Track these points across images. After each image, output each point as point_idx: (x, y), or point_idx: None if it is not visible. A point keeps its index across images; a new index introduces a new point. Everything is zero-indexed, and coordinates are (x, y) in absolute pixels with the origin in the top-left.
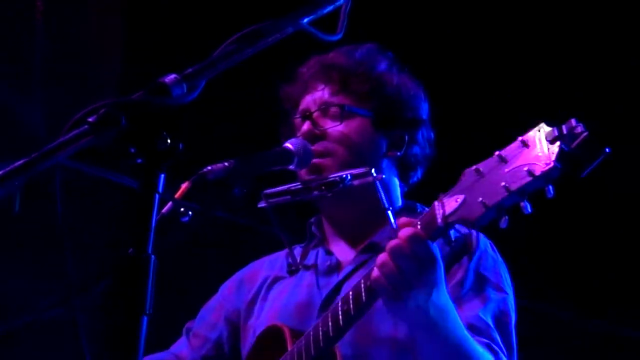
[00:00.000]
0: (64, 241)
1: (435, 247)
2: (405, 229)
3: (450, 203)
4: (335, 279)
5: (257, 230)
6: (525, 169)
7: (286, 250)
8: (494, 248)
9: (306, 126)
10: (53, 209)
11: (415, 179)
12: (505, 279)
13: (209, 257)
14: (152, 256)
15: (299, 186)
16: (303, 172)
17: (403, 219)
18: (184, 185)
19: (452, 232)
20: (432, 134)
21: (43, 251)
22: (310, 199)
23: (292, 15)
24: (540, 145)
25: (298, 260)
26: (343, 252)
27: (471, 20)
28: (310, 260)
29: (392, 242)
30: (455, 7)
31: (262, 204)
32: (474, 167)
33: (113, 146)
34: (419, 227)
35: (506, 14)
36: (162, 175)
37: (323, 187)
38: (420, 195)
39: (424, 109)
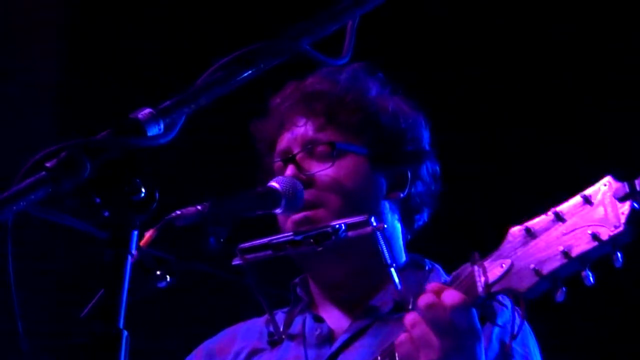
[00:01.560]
0: (15, 308)
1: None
2: (449, 291)
3: (494, 269)
4: (327, 351)
5: (235, 286)
6: (589, 231)
7: (265, 317)
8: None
9: (290, 171)
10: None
11: (421, 222)
12: (535, 355)
13: (178, 316)
14: (124, 332)
15: (282, 238)
16: (290, 222)
17: (434, 284)
18: (148, 233)
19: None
20: (437, 167)
21: None
22: (296, 255)
23: (289, 35)
24: (607, 204)
25: (281, 329)
26: (335, 318)
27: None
28: (295, 329)
29: (428, 299)
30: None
31: (237, 261)
32: (522, 225)
33: (75, 195)
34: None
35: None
36: (135, 233)
37: (312, 240)
38: (422, 246)
39: (426, 138)
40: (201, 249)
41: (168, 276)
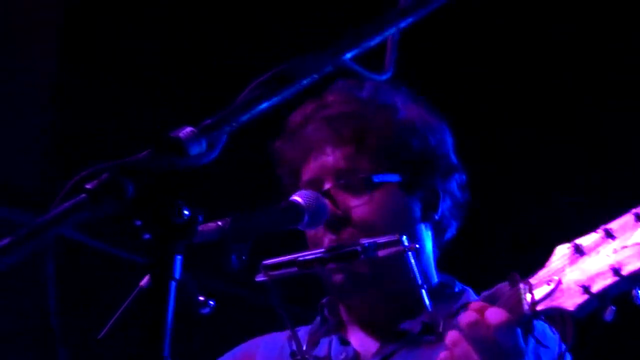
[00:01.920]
0: (57, 336)
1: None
2: (493, 309)
3: (540, 287)
4: None
5: (255, 304)
6: None
7: (287, 333)
8: (553, 329)
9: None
10: (44, 295)
11: (449, 235)
12: None
13: (196, 334)
14: None
15: (309, 256)
16: (315, 233)
17: (476, 303)
18: None
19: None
20: (464, 177)
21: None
22: (323, 272)
23: (331, 49)
24: None
25: (304, 348)
26: (362, 341)
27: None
28: (321, 351)
29: (470, 317)
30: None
31: (260, 278)
32: (571, 242)
33: (115, 218)
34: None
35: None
36: (179, 258)
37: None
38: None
39: (453, 149)
40: (222, 267)
41: (211, 302)
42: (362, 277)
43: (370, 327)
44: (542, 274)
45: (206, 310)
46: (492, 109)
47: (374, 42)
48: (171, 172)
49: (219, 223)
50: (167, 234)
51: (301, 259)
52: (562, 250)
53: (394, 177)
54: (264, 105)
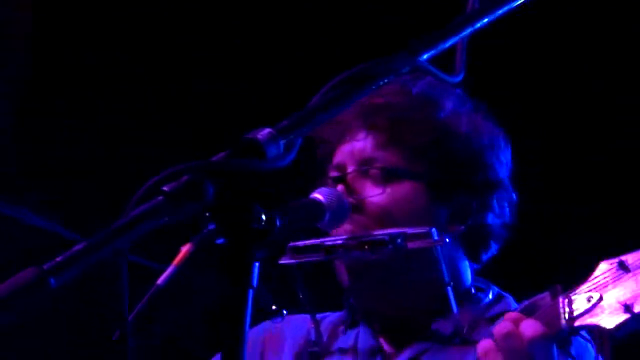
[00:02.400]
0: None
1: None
2: (529, 322)
3: (580, 301)
4: None
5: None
6: None
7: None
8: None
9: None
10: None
11: (488, 255)
12: None
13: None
14: None
15: (336, 241)
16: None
17: (513, 313)
18: (184, 248)
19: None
20: (514, 196)
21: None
22: (348, 260)
23: (406, 50)
24: None
25: (325, 339)
26: (391, 337)
27: None
28: (347, 342)
29: (505, 328)
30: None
31: (286, 260)
32: (616, 258)
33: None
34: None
35: None
36: (257, 265)
37: (366, 247)
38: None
39: (504, 163)
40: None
41: (284, 311)
42: (385, 272)
43: (398, 324)
44: (584, 288)
45: (279, 319)
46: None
47: (448, 44)
48: (247, 175)
49: None
50: (246, 239)
51: (328, 243)
52: (606, 266)
53: (418, 176)
54: (342, 106)
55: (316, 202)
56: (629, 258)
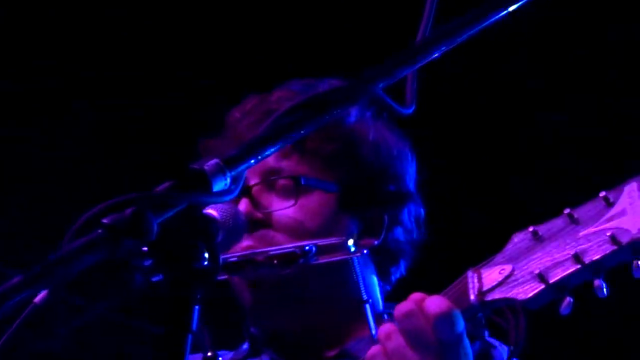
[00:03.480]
0: None
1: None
2: (432, 298)
3: (491, 274)
4: None
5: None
6: (608, 234)
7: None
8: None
9: (243, 206)
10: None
11: (397, 274)
12: None
13: None
14: None
15: (239, 257)
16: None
17: (416, 294)
18: None
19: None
20: (422, 211)
21: None
22: (254, 277)
23: (364, 77)
24: (632, 205)
25: None
26: None
27: None
28: None
29: (406, 307)
30: None
31: (223, 277)
32: (530, 228)
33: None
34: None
35: None
36: (197, 309)
37: (275, 262)
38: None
39: (412, 175)
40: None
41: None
42: (295, 288)
43: (308, 347)
44: (495, 262)
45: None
46: None
47: (404, 73)
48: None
49: None
50: (187, 280)
51: (230, 260)
52: (519, 237)
53: (329, 186)
54: (293, 135)
55: (209, 218)
56: (542, 227)
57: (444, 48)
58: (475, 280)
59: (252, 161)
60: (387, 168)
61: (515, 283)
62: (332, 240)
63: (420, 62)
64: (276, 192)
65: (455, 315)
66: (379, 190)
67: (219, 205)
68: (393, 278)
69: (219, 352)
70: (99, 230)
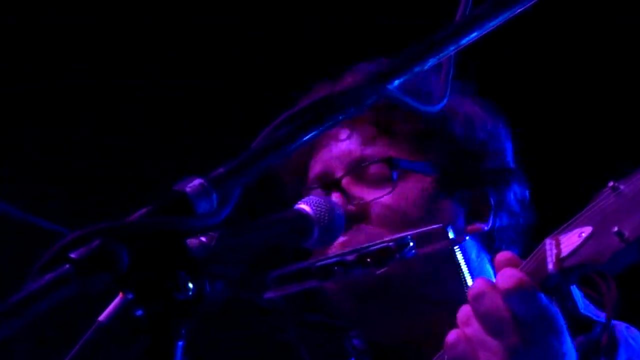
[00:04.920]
0: None
1: (553, 305)
2: (503, 272)
3: (570, 239)
4: None
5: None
6: None
7: None
8: None
9: (335, 200)
10: None
11: None
12: None
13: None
14: None
15: (328, 260)
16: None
17: (502, 254)
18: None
19: (576, 293)
20: (527, 192)
21: None
22: (349, 283)
23: (371, 77)
24: None
25: None
26: None
27: None
28: None
29: (476, 288)
30: None
31: (270, 294)
32: (609, 183)
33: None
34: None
35: None
36: (180, 345)
37: (369, 260)
38: None
39: (510, 151)
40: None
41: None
42: (398, 289)
43: (412, 354)
44: (576, 224)
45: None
46: None
47: (426, 67)
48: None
49: (203, 239)
50: (167, 312)
51: (318, 264)
52: (602, 194)
53: (428, 168)
54: (295, 145)
55: (301, 214)
56: (625, 184)
57: (474, 35)
58: (554, 248)
59: (243, 178)
60: (485, 144)
61: (596, 244)
62: (429, 228)
63: (447, 51)
64: (367, 182)
65: (529, 288)
66: (480, 168)
67: (313, 199)
68: None
69: None
70: (66, 266)
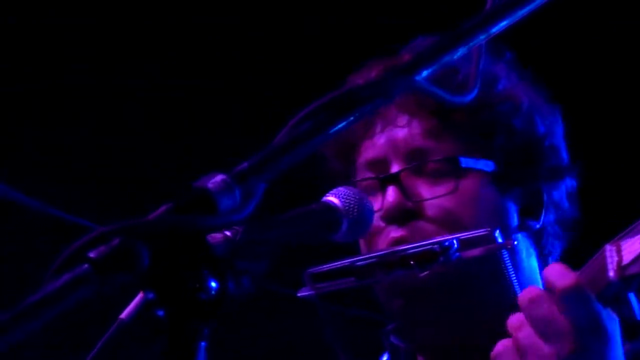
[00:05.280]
0: None
1: (609, 314)
2: (559, 274)
3: (632, 245)
4: None
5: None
6: None
7: None
8: None
9: (392, 197)
10: None
11: (553, 257)
12: None
13: None
14: None
15: (368, 259)
16: (381, 242)
17: (554, 265)
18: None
19: (634, 299)
20: (575, 185)
21: None
22: (392, 283)
23: (400, 68)
24: None
25: None
26: None
27: None
28: None
29: (530, 292)
30: None
31: (305, 292)
32: None
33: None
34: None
35: None
36: (203, 346)
37: (412, 262)
38: None
39: (564, 144)
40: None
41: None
42: (442, 290)
43: (458, 354)
44: (637, 230)
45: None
46: None
47: (455, 56)
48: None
49: (227, 233)
50: (189, 313)
51: (358, 264)
52: None
53: (487, 165)
54: (320, 139)
55: (330, 206)
56: None
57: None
58: (614, 254)
59: (267, 174)
60: (544, 138)
61: None
62: (475, 232)
63: (477, 40)
64: (427, 177)
65: (585, 293)
66: (538, 164)
67: (341, 191)
68: (549, 263)
69: None
70: (85, 265)
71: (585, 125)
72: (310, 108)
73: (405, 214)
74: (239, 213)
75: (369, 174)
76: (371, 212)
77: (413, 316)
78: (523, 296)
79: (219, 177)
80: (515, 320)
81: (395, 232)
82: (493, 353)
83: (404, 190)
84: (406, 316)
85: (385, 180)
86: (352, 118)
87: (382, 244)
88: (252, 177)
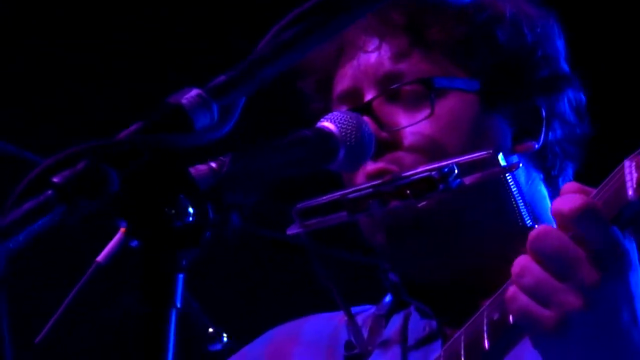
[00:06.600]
0: None
1: (627, 237)
2: (570, 197)
3: None
4: (437, 349)
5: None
6: None
7: (341, 314)
8: None
9: None
10: None
11: (565, 179)
12: None
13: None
14: None
15: (361, 191)
16: (361, 177)
17: (569, 184)
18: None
19: None
20: (582, 96)
21: None
22: (385, 217)
23: None
24: None
25: (366, 337)
26: (449, 310)
27: None
28: (392, 330)
29: (539, 229)
30: None
31: (294, 229)
32: None
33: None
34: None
35: None
36: (181, 277)
37: (408, 192)
38: None
39: (563, 54)
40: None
41: (224, 336)
42: (440, 224)
43: (456, 295)
44: None
45: (218, 346)
46: None
47: None
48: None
49: (212, 165)
50: (165, 242)
51: (350, 196)
52: None
53: (469, 83)
54: (304, 49)
55: (325, 132)
56: None
57: None
58: (634, 171)
59: (247, 87)
60: (534, 48)
61: None
62: (476, 154)
63: None
64: (402, 103)
65: (601, 212)
66: (529, 77)
67: (337, 115)
68: (561, 185)
69: (360, 308)
70: (49, 191)
71: (597, 31)
72: (293, 14)
73: (381, 144)
74: (217, 131)
75: (343, 108)
76: (371, 138)
77: (403, 252)
78: (530, 236)
79: (194, 92)
80: (518, 263)
81: (370, 166)
82: (507, 297)
83: (377, 120)
84: (394, 253)
85: (356, 111)
86: (339, 26)
87: (360, 179)
88: (231, 91)
